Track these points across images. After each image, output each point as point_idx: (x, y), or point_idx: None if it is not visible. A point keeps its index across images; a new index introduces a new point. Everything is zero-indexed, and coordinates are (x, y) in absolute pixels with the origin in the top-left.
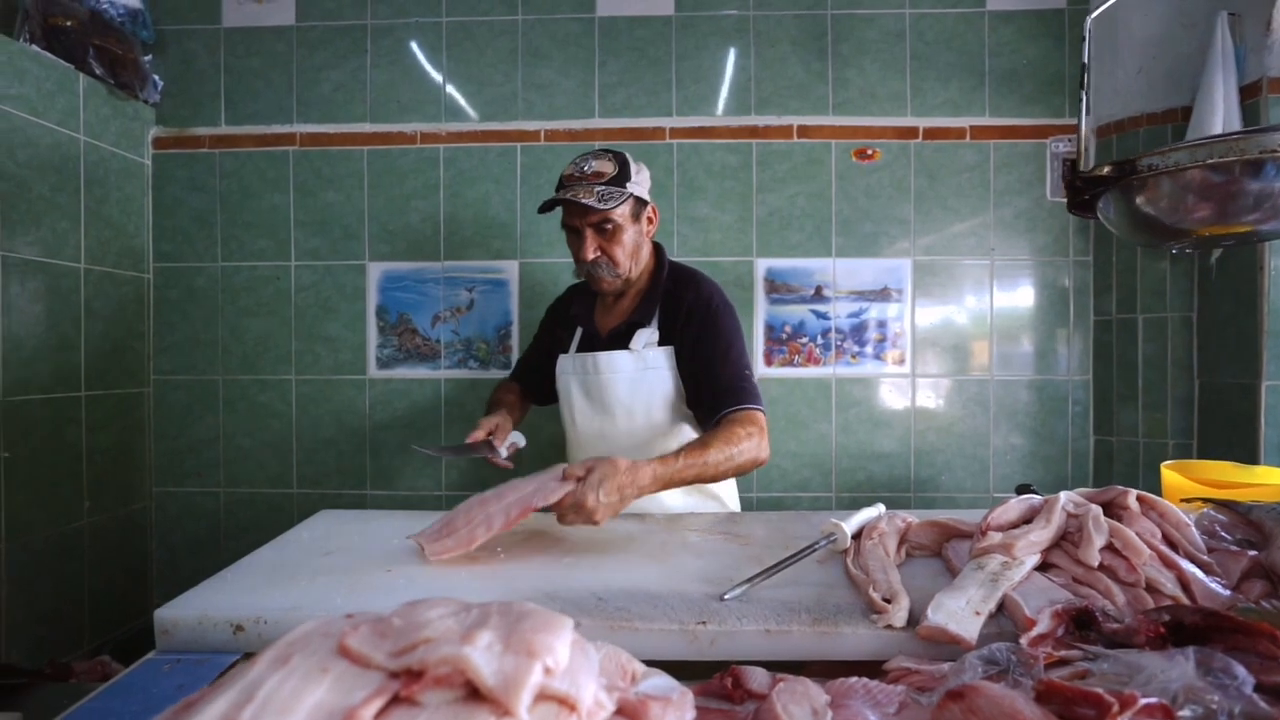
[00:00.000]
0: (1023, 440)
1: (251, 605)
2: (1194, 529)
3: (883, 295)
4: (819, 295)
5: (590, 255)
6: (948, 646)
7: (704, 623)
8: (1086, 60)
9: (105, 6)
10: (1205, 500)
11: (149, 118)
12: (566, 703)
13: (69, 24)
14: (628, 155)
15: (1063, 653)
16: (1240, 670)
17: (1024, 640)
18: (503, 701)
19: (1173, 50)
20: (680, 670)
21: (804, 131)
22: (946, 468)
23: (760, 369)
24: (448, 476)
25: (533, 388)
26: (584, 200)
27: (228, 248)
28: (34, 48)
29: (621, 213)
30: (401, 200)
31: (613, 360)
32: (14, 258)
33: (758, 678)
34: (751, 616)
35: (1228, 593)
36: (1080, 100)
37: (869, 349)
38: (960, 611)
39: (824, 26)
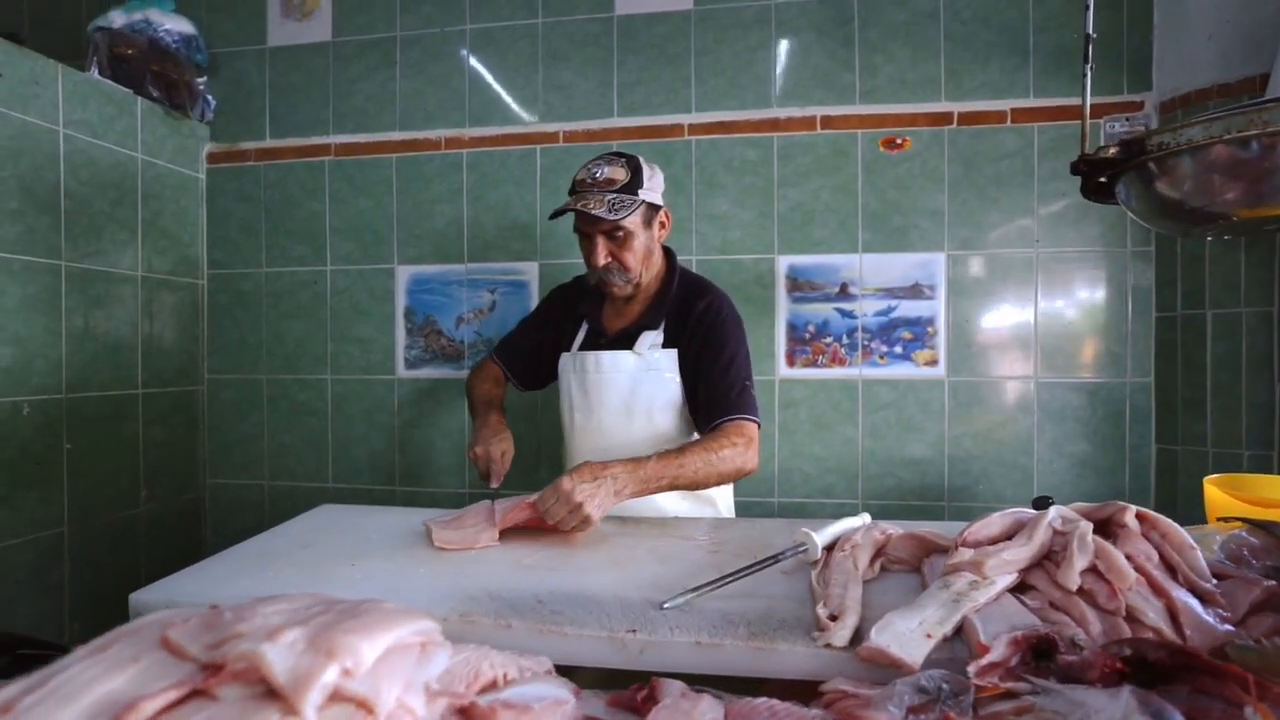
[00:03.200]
0: (1073, 448)
1: (214, 593)
2: (1199, 553)
3: (914, 292)
4: (844, 293)
5: (602, 261)
6: (891, 670)
7: (634, 631)
8: (1090, 31)
9: (162, 35)
10: (1243, 520)
11: (204, 135)
12: (364, 705)
13: (130, 52)
14: (641, 159)
15: (1009, 684)
16: (1175, 716)
17: (972, 668)
18: (291, 699)
19: (1249, 13)
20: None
21: (828, 122)
22: (984, 476)
23: (781, 370)
24: (471, 474)
25: (522, 372)
26: (595, 211)
27: (271, 254)
28: (96, 76)
29: (633, 220)
30: (427, 205)
31: (616, 360)
32: (75, 268)
33: (673, 691)
34: (686, 628)
35: (1225, 627)
36: (1084, 75)
37: (898, 349)
38: (908, 633)
39: (850, 12)
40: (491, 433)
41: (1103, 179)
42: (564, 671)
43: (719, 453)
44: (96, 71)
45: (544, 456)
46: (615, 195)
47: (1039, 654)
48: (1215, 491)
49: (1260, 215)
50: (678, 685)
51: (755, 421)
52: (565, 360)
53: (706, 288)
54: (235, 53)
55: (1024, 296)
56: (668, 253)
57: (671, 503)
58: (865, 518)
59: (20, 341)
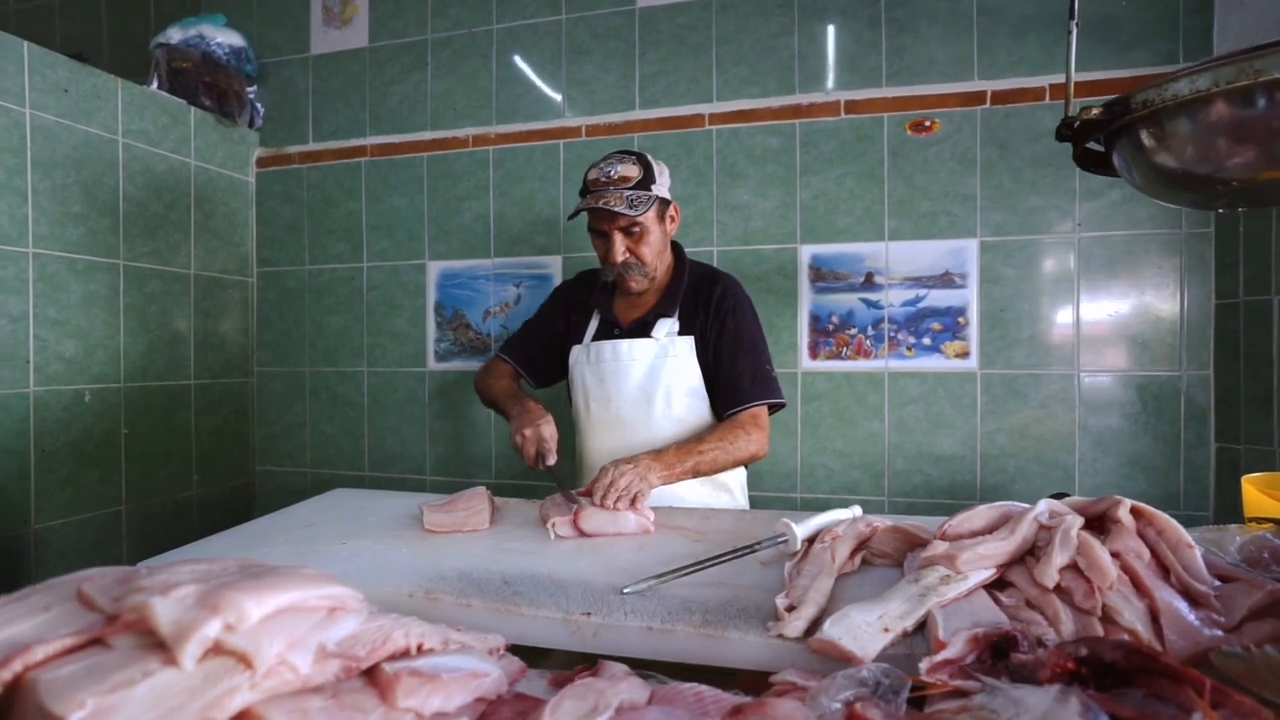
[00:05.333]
0: (1120, 446)
1: None
2: (1198, 552)
3: (943, 281)
4: (870, 283)
5: (620, 258)
6: (843, 663)
7: (588, 614)
8: None
9: (214, 48)
10: (1274, 521)
11: (254, 141)
12: (243, 659)
13: (186, 65)
14: (650, 156)
15: (958, 682)
16: (1101, 718)
17: (925, 664)
18: (172, 648)
19: None
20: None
21: (852, 107)
22: (1020, 474)
23: (804, 362)
24: (497, 465)
25: (534, 367)
26: (616, 208)
27: (313, 253)
28: (152, 88)
29: (649, 216)
30: (456, 201)
31: (634, 348)
32: (133, 266)
33: (614, 673)
34: (640, 613)
35: (1214, 632)
36: (1069, 34)
37: (927, 340)
38: (864, 626)
39: None
40: (534, 416)
41: (1094, 146)
42: (529, 652)
43: (734, 442)
44: (157, 84)
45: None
46: (632, 192)
47: (1000, 653)
48: (1252, 490)
49: (1269, 178)
50: (620, 668)
51: (770, 403)
52: (577, 352)
53: (717, 274)
54: (282, 62)
55: (1064, 284)
56: (675, 245)
57: (691, 490)
58: (856, 510)
59: (83, 334)
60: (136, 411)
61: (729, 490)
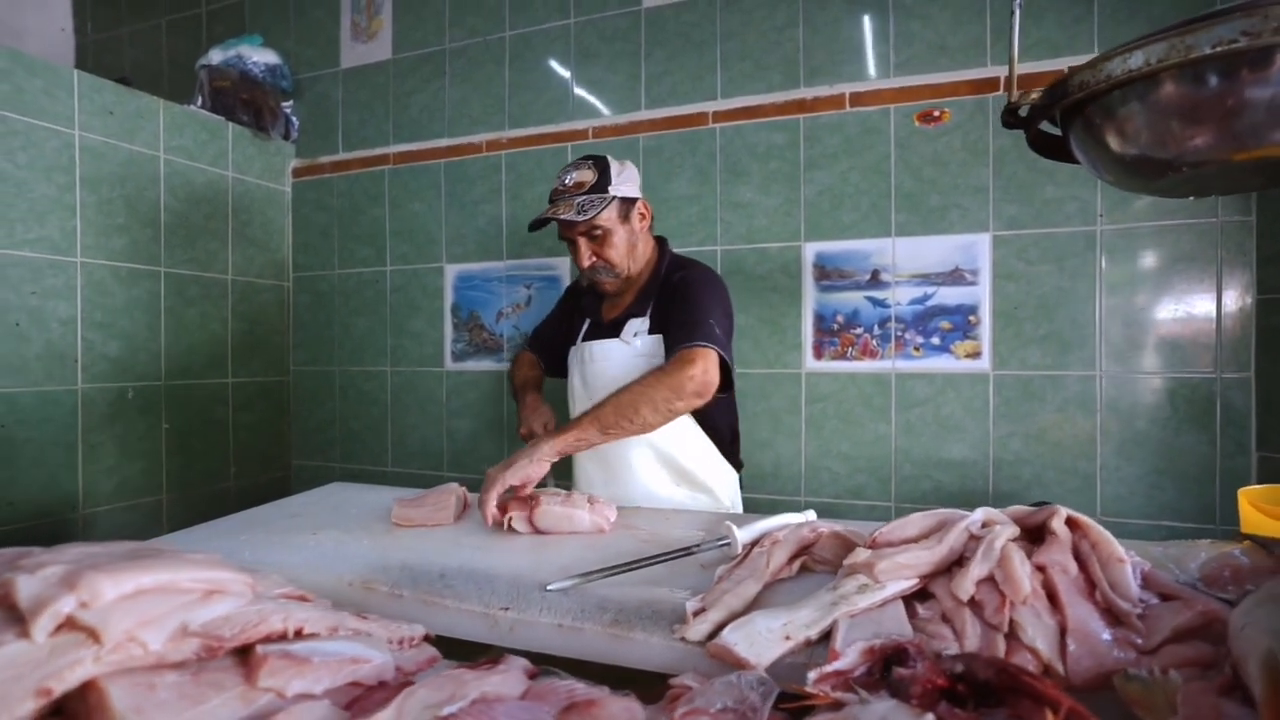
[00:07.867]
0: (1147, 454)
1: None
2: (1128, 567)
3: (954, 277)
4: (876, 280)
5: (586, 262)
6: (737, 668)
7: (506, 609)
8: None
9: (250, 66)
10: (1249, 538)
11: (290, 152)
12: (92, 634)
13: (226, 84)
14: (609, 158)
15: (838, 694)
16: None
17: (813, 674)
18: (27, 620)
19: None
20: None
21: (857, 99)
22: (1036, 482)
23: (808, 363)
24: None
25: (548, 361)
26: (564, 216)
27: (342, 257)
28: (192, 108)
29: (608, 217)
30: (471, 205)
31: (606, 350)
32: (172, 273)
33: (507, 667)
34: (556, 610)
35: (1125, 653)
36: (1012, 13)
37: (936, 340)
38: (765, 633)
39: None
40: (530, 411)
41: (1051, 130)
42: (472, 647)
43: (646, 379)
44: (201, 103)
45: None
46: (585, 197)
47: (889, 666)
48: (1246, 506)
49: (1221, 160)
50: (520, 662)
51: (710, 347)
52: (571, 354)
53: (689, 265)
54: (316, 77)
55: (1085, 279)
56: (660, 241)
57: (666, 490)
58: (809, 515)
59: (126, 335)
60: (176, 408)
61: (709, 491)
